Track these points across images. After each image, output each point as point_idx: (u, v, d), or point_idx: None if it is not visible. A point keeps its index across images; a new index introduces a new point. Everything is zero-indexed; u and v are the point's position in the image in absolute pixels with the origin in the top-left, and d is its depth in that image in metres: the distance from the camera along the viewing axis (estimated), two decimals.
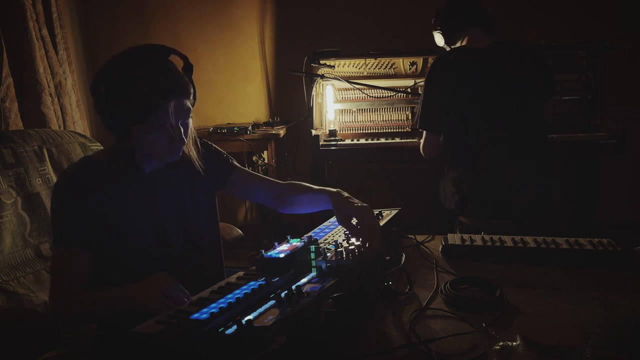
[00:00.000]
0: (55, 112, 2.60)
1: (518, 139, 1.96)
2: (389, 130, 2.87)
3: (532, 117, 2.00)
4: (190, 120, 1.22)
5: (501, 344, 0.89)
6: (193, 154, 1.31)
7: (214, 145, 1.46)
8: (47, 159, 1.63)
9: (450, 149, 2.05)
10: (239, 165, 1.48)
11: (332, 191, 1.31)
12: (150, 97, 1.10)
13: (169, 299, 0.99)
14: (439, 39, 2.20)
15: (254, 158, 3.27)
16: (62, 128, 2.66)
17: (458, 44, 2.10)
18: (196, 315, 0.92)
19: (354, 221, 1.23)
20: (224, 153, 1.47)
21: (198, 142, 1.35)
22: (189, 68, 1.22)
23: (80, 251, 1.19)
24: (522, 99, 1.96)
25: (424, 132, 2.11)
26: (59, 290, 1.18)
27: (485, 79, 1.95)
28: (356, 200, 1.26)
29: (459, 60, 1.98)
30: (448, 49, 2.16)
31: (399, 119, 2.86)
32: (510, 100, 1.95)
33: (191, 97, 1.19)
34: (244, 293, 1.00)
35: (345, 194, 1.29)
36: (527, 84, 1.97)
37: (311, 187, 1.40)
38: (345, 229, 1.30)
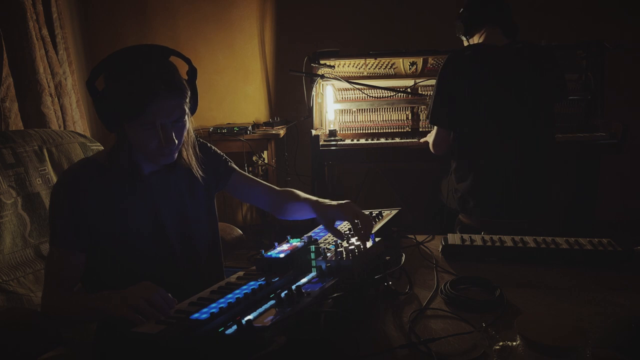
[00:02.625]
0: (55, 112, 2.60)
1: (524, 139, 1.95)
2: (389, 130, 2.87)
3: (540, 118, 1.99)
4: (187, 124, 1.21)
5: (501, 344, 0.89)
6: (192, 160, 1.31)
7: (212, 147, 1.46)
8: (47, 159, 1.63)
9: (456, 146, 2.05)
10: (237, 168, 1.48)
11: (312, 199, 1.35)
12: (140, 94, 1.09)
13: (152, 308, 0.97)
14: (459, 28, 2.19)
15: (254, 158, 3.27)
16: (62, 128, 2.66)
17: (475, 38, 2.10)
18: (196, 315, 0.92)
19: (341, 225, 1.25)
20: (223, 155, 1.47)
21: (197, 149, 1.34)
22: (192, 71, 1.22)
23: (74, 253, 1.19)
24: (531, 100, 1.95)
25: (435, 127, 2.10)
26: (48, 291, 1.18)
27: (495, 78, 1.95)
28: (335, 202, 1.30)
29: (472, 58, 1.97)
30: (464, 39, 2.16)
31: (399, 119, 2.86)
32: (519, 100, 1.95)
33: (187, 100, 1.18)
34: (244, 293, 1.00)
35: (326, 200, 1.33)
36: (538, 85, 1.96)
37: (299, 196, 1.43)
38: (342, 232, 1.30)
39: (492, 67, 1.96)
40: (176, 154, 1.23)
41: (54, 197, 1.22)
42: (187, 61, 1.22)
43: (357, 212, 1.24)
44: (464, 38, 2.17)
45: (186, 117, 1.20)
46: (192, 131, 1.30)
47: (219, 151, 1.47)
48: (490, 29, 2.04)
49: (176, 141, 1.17)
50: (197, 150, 1.33)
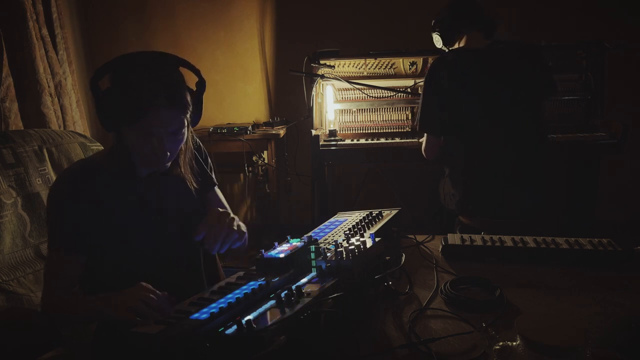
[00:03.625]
0: (55, 112, 2.60)
1: (517, 138, 1.96)
2: (389, 130, 2.87)
3: (531, 116, 2.00)
4: (185, 136, 1.21)
5: (501, 344, 0.88)
6: (188, 173, 1.30)
7: (206, 153, 1.46)
8: (47, 159, 1.63)
9: (449, 149, 2.05)
10: (216, 186, 1.48)
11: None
12: (140, 101, 1.09)
13: (150, 309, 0.97)
14: (437, 41, 2.20)
15: (254, 158, 3.27)
16: (62, 128, 2.66)
17: (456, 45, 2.10)
18: (196, 315, 0.92)
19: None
20: (210, 167, 1.46)
21: (194, 162, 1.33)
22: (201, 84, 1.22)
23: (72, 255, 1.19)
24: (520, 99, 1.96)
25: (425, 134, 2.11)
26: (48, 291, 1.18)
27: (482, 79, 1.95)
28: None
29: (456, 61, 1.98)
30: (446, 50, 2.17)
31: (399, 119, 2.86)
32: (509, 100, 1.95)
33: (187, 113, 1.17)
34: (244, 293, 1.00)
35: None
36: (525, 83, 1.97)
37: None
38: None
39: (477, 69, 1.96)
40: (169, 164, 1.23)
41: (52, 199, 1.22)
42: (197, 73, 1.22)
43: (216, 221, 1.16)
44: (445, 48, 2.18)
45: (184, 129, 1.19)
46: (190, 143, 1.30)
47: (209, 162, 1.47)
48: (469, 33, 2.03)
49: (168, 153, 1.17)
50: (194, 163, 1.33)
